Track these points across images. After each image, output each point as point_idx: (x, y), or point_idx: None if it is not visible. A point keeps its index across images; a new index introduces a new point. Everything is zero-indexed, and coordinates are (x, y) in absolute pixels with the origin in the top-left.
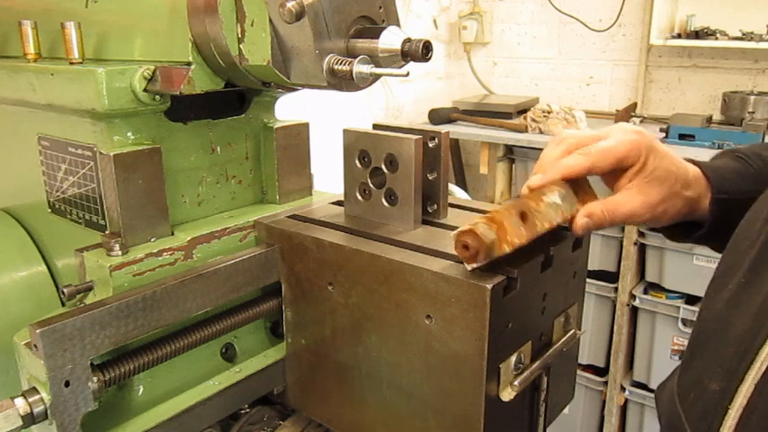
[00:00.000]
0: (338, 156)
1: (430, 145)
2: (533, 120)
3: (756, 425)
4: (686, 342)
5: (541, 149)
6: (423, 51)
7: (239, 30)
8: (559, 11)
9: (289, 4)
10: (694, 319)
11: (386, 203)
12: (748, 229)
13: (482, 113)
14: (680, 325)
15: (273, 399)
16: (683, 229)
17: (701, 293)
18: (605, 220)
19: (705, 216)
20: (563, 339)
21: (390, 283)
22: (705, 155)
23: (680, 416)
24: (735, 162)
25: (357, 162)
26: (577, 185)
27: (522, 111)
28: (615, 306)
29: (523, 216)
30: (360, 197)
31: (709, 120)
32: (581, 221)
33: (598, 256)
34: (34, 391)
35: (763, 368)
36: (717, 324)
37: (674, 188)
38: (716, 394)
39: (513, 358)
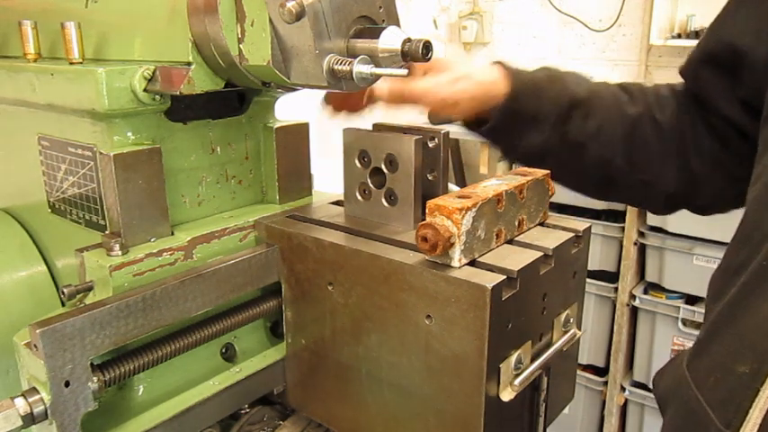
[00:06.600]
0: (338, 156)
1: (430, 145)
2: None
3: None
4: (686, 342)
5: None
6: (423, 51)
7: (239, 30)
8: (559, 11)
9: (289, 4)
10: (694, 319)
11: (386, 203)
12: (760, 212)
13: None
14: (680, 325)
15: (273, 399)
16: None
17: (702, 293)
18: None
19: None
20: (563, 339)
21: (390, 283)
22: None
23: (698, 400)
24: (548, 81)
25: (357, 162)
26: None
27: None
28: (615, 306)
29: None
30: (360, 197)
31: None
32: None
33: (598, 256)
34: (34, 391)
35: None
36: (738, 308)
37: (473, 75)
38: (744, 376)
39: (513, 358)
